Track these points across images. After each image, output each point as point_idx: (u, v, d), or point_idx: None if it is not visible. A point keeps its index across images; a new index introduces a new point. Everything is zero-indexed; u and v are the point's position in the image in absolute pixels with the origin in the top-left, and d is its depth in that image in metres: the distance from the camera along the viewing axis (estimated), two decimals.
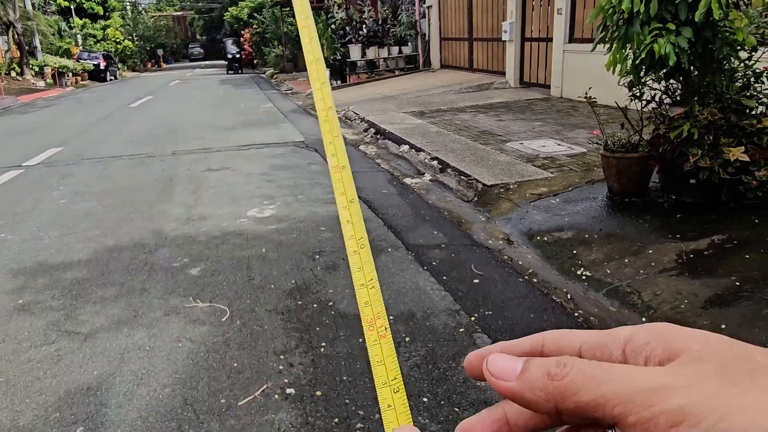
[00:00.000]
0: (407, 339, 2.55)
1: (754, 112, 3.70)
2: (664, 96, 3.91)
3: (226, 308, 2.94)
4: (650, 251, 3.24)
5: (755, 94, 3.67)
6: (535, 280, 3.10)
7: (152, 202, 4.97)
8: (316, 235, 3.91)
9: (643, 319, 2.62)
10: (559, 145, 5.91)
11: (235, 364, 2.43)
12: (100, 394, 2.30)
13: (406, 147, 6.60)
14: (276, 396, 2.21)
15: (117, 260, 3.68)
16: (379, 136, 7.63)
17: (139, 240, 4.02)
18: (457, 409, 2.06)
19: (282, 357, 2.47)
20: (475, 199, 4.65)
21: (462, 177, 5.16)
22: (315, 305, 2.92)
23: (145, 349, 2.61)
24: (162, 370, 2.42)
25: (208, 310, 2.94)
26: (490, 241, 3.71)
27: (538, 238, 3.68)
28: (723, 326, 2.45)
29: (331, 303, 2.93)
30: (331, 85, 13.45)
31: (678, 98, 3.84)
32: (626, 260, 3.19)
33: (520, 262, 3.35)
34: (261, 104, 12.33)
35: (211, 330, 2.73)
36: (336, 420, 2.05)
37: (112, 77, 27.72)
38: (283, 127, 8.73)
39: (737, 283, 2.77)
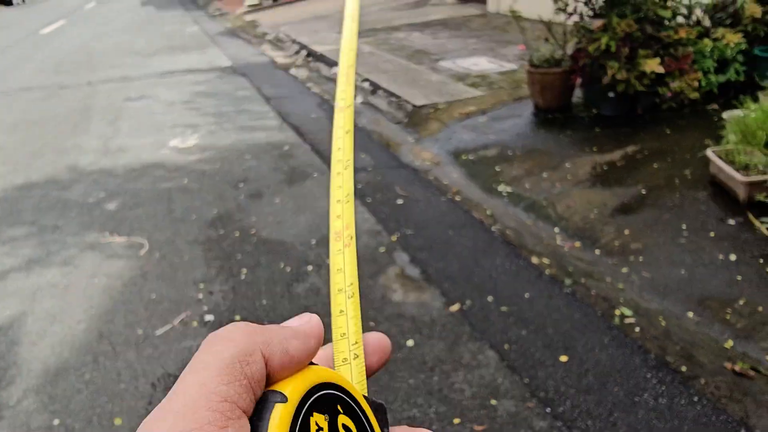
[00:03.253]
0: (328, 262, 2.57)
1: (670, 24, 3.75)
2: (585, 8, 3.89)
3: (144, 242, 2.86)
4: (568, 165, 3.33)
5: (671, 4, 3.70)
6: (457, 198, 3.15)
7: (66, 135, 4.68)
8: (240, 163, 3.81)
9: (556, 229, 2.73)
10: (491, 62, 5.87)
11: (153, 296, 2.40)
12: (12, 334, 2.23)
13: (337, 69, 6.40)
14: (194, 324, 2.22)
15: (28, 198, 3.49)
16: (310, 59, 7.35)
17: (52, 176, 3.81)
18: (372, 323, 2.13)
19: (202, 286, 2.46)
20: (405, 120, 4.61)
21: (393, 98, 5.08)
22: (237, 234, 2.88)
23: (58, 287, 2.53)
24: (76, 307, 2.37)
25: (125, 244, 2.86)
26: (416, 163, 3.71)
27: (464, 157, 3.72)
28: (626, 232, 2.59)
29: (253, 231, 2.90)
30: (262, 4, 12.73)
31: (598, 11, 3.83)
32: (545, 175, 3.28)
33: (444, 182, 3.38)
34: (186, 27, 11.57)
35: (128, 264, 2.67)
36: None
37: (20, 0, 25.23)
38: (210, 51, 8.26)
39: (643, 192, 2.90)
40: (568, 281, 2.30)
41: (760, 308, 2.02)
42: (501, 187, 3.23)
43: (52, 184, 3.68)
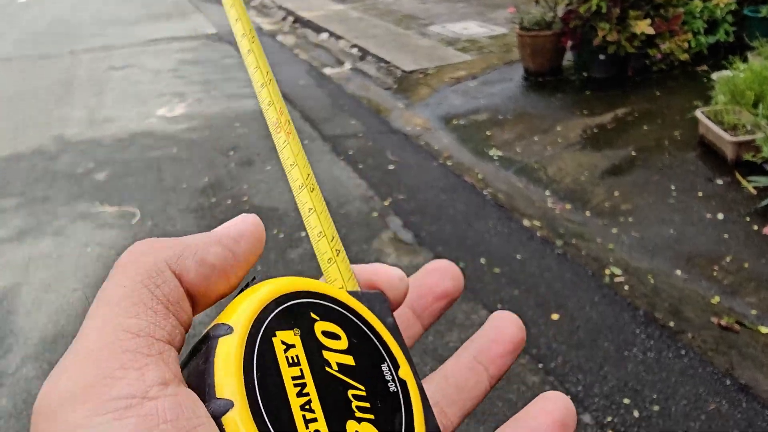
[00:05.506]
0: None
1: None
2: None
3: (136, 211, 2.85)
4: (559, 128, 3.34)
5: None
6: (449, 163, 3.15)
7: (50, 106, 4.60)
8: (230, 131, 3.77)
9: (547, 192, 2.75)
10: (481, 26, 5.80)
11: None
12: (7, 304, 2.24)
13: (325, 35, 6.30)
14: None
15: (15, 170, 3.45)
16: (297, 25, 7.22)
17: (39, 147, 3.76)
18: None
19: None
20: (395, 86, 4.57)
21: (382, 64, 5.02)
22: (229, 201, 2.88)
23: (51, 257, 2.53)
24: (70, 276, 2.37)
25: (117, 213, 2.85)
26: (407, 128, 3.70)
27: (455, 121, 3.71)
28: (616, 193, 2.62)
29: (245, 198, 2.90)
30: None
31: None
32: (536, 138, 3.28)
33: (435, 147, 3.38)
34: None
35: (121, 233, 2.67)
36: None
37: None
38: (194, 18, 8.08)
39: (633, 153, 2.92)
40: (559, 242, 2.33)
41: (746, 265, 2.07)
42: (492, 151, 3.23)
43: (39, 155, 3.63)
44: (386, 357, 0.22)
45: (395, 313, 0.25)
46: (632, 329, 1.84)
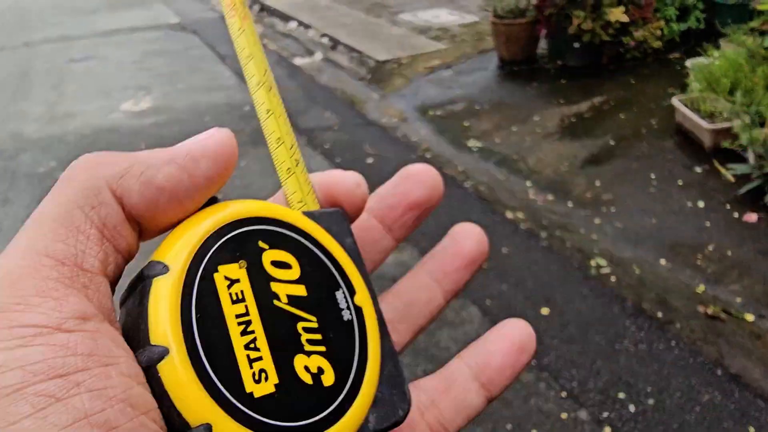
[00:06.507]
0: None
1: None
2: None
3: None
4: (536, 118, 3.32)
5: None
6: (428, 155, 3.11)
7: (6, 101, 4.37)
8: (199, 126, 3.64)
9: (528, 183, 2.73)
10: (451, 14, 5.75)
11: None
12: None
13: (294, 24, 6.16)
14: None
15: None
16: (264, 13, 7.04)
17: None
18: None
19: None
20: (369, 76, 4.49)
21: (354, 54, 4.93)
22: None
23: None
24: None
25: None
26: (383, 119, 3.63)
27: (431, 112, 3.66)
28: (597, 183, 2.62)
29: (220, 195, 2.79)
30: None
31: None
32: (514, 128, 3.26)
33: (413, 139, 3.33)
34: None
35: None
36: None
37: None
38: (155, 7, 7.80)
39: (611, 142, 2.92)
40: (543, 234, 2.32)
41: (729, 252, 2.08)
42: (471, 143, 3.20)
43: None
44: (342, 283, 0.21)
45: (361, 227, 0.24)
46: (622, 321, 1.83)
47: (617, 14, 3.49)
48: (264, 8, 7.15)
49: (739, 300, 1.89)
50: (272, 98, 0.23)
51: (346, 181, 0.23)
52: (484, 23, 5.20)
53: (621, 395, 1.57)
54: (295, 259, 0.20)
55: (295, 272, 0.20)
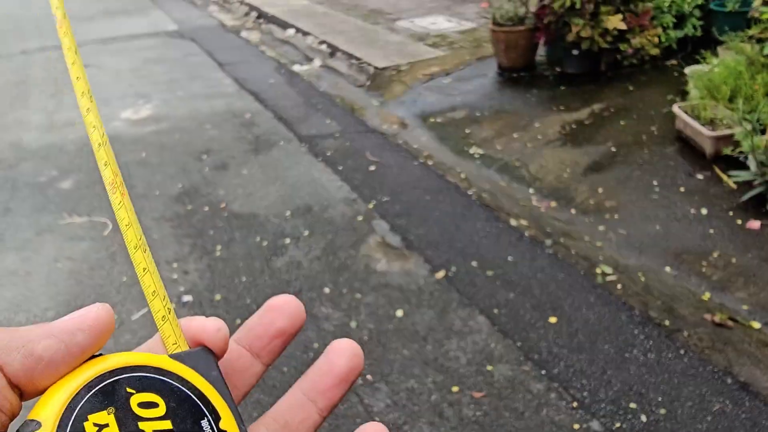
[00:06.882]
0: (306, 233, 2.50)
1: None
2: None
3: (107, 221, 2.71)
4: (537, 124, 3.34)
5: None
6: (430, 162, 3.11)
7: (4, 110, 4.35)
8: (201, 133, 3.64)
9: (531, 190, 2.74)
10: (449, 21, 5.77)
11: (125, 279, 2.29)
12: None
13: (292, 31, 6.16)
14: (173, 305, 2.13)
15: None
16: (262, 20, 7.05)
17: None
18: (359, 295, 2.09)
19: (175, 265, 2.35)
20: (368, 83, 4.50)
21: (353, 61, 4.94)
22: (206, 208, 2.77)
23: (18, 274, 2.38)
24: (41, 294, 2.23)
25: (86, 225, 2.70)
26: (384, 126, 3.64)
27: (432, 119, 3.67)
28: (600, 189, 2.63)
29: (223, 204, 2.79)
30: None
31: None
32: (515, 135, 3.27)
33: (414, 146, 3.33)
34: None
35: (92, 246, 2.53)
36: (238, 321, 2.02)
37: None
38: (153, 14, 7.79)
39: (613, 149, 2.94)
40: (548, 242, 2.33)
41: (734, 260, 2.10)
42: (472, 150, 3.21)
43: None
44: (206, 412, 0.23)
45: (232, 357, 0.26)
46: (630, 330, 1.84)
47: (615, 22, 3.51)
48: (261, 15, 7.15)
49: (745, 307, 1.90)
50: (147, 258, 0.26)
51: (207, 328, 0.25)
52: (482, 30, 5.22)
53: (633, 405, 1.57)
54: (160, 398, 0.22)
55: (161, 410, 0.22)
